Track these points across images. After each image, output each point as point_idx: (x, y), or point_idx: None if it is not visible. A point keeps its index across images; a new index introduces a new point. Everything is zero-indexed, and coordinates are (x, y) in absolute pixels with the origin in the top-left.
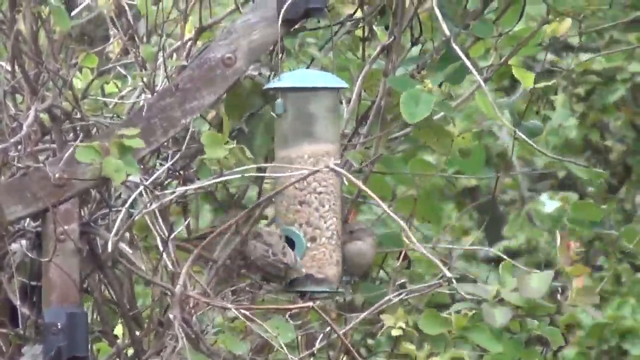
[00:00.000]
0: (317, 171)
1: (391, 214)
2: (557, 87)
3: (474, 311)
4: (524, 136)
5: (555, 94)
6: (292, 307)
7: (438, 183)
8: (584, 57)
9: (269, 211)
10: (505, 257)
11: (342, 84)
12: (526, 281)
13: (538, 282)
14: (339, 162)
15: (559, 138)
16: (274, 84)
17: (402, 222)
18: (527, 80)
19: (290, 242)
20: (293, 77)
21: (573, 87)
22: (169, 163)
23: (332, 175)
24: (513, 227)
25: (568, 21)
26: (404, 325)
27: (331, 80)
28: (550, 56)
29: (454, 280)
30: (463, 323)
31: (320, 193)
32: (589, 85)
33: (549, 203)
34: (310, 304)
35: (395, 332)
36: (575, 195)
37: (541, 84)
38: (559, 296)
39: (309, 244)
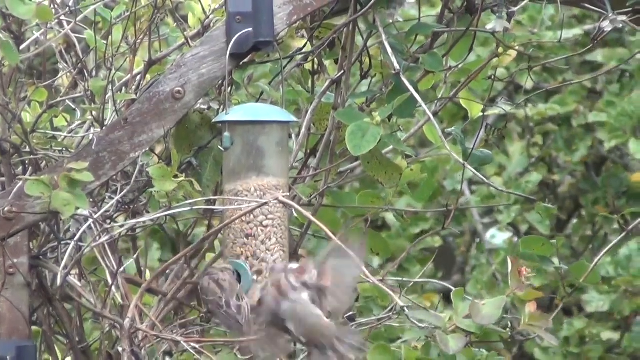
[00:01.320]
0: (266, 203)
1: (340, 244)
2: (509, 129)
3: (424, 342)
4: (472, 169)
5: (504, 126)
6: (240, 339)
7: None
8: (541, 106)
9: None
10: (453, 288)
11: (291, 117)
12: (478, 308)
13: (490, 309)
14: (287, 194)
15: (521, 190)
16: (222, 117)
17: (352, 254)
18: (474, 109)
19: (237, 276)
20: (242, 110)
21: (530, 134)
22: (118, 196)
23: (279, 208)
24: (478, 285)
25: (514, 53)
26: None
27: (280, 114)
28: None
29: (405, 309)
30: (412, 356)
31: (266, 226)
32: (545, 131)
33: (498, 235)
34: (259, 336)
35: None
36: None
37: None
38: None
39: (255, 277)
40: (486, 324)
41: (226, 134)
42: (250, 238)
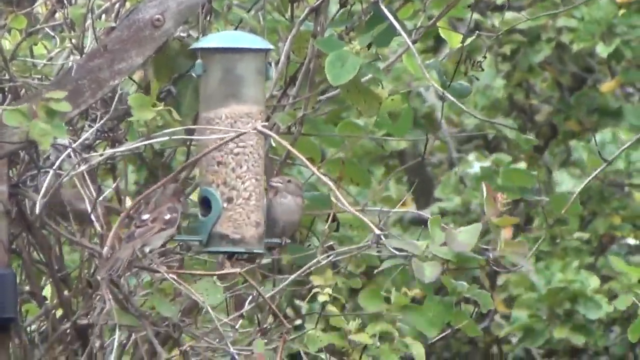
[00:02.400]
0: (244, 133)
1: (319, 175)
2: (483, 47)
3: (402, 271)
4: (452, 97)
5: (484, 57)
6: (219, 272)
7: (367, 146)
8: (509, 15)
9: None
10: (430, 216)
11: (268, 45)
12: (454, 235)
13: (466, 236)
14: (266, 123)
15: (486, 99)
16: (200, 44)
17: (330, 183)
18: (453, 40)
19: (207, 202)
20: (219, 38)
21: (498, 46)
22: (98, 125)
23: (251, 136)
24: (446, 189)
25: None
26: (330, 291)
27: (257, 42)
28: (475, 16)
29: (382, 238)
30: (403, 302)
31: (237, 154)
32: (514, 45)
33: (475, 163)
34: (237, 269)
35: (321, 298)
36: (505, 157)
37: (467, 42)
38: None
39: (225, 205)
40: (462, 251)
41: (198, 60)
42: (220, 165)
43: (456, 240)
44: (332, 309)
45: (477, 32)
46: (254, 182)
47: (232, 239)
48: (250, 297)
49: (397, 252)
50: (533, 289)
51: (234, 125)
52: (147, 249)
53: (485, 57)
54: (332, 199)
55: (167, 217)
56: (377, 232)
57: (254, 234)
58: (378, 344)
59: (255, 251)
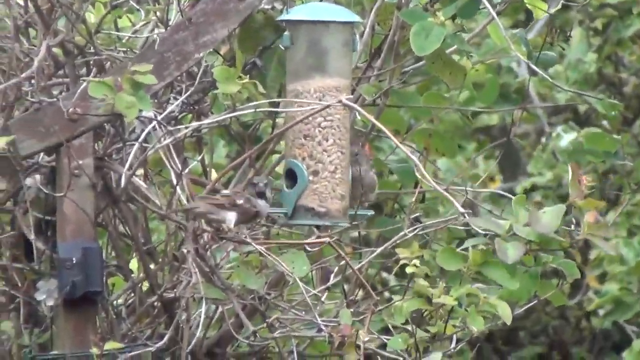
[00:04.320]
0: (329, 106)
1: (402, 148)
2: (573, 20)
3: (488, 246)
4: (536, 69)
5: (571, 29)
6: (307, 241)
7: (457, 121)
8: None
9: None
10: (511, 195)
11: (355, 18)
12: (538, 216)
13: (550, 217)
14: (351, 96)
15: (578, 73)
16: (285, 16)
17: (415, 158)
18: (538, 11)
19: (293, 175)
20: (307, 10)
21: (590, 21)
22: (183, 97)
23: (338, 109)
24: (538, 163)
25: None
26: (417, 262)
27: (343, 14)
28: None
29: (466, 216)
30: (480, 259)
31: (324, 127)
32: (606, 19)
33: (565, 136)
34: (326, 239)
35: (409, 269)
36: (594, 129)
37: (556, 13)
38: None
39: (310, 178)
40: (545, 232)
41: (286, 33)
42: (307, 139)
43: (540, 221)
44: (419, 281)
45: (564, 2)
46: (339, 156)
47: (317, 212)
48: (336, 268)
49: (480, 231)
50: (623, 262)
51: (322, 99)
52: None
53: (572, 29)
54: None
55: (240, 201)
56: (461, 209)
57: (339, 207)
58: (464, 306)
59: (340, 224)
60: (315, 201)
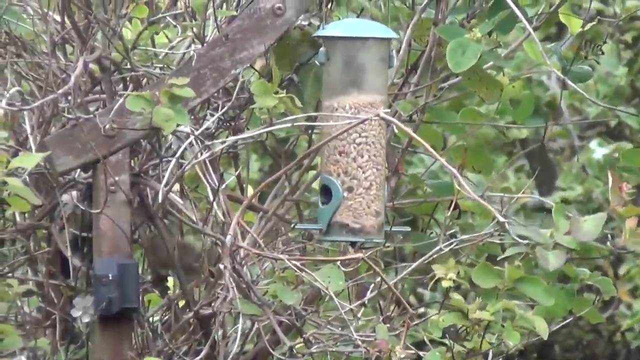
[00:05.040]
0: (366, 120)
1: (442, 161)
2: (604, 34)
3: (525, 259)
4: (571, 83)
5: (604, 42)
6: (342, 258)
7: (489, 134)
8: (631, 3)
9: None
10: (554, 204)
11: (391, 34)
12: (579, 224)
13: (591, 225)
14: (388, 110)
15: (608, 87)
16: (323, 32)
17: (453, 170)
18: (573, 25)
19: (328, 191)
20: (343, 26)
21: (620, 34)
22: (219, 113)
23: (374, 125)
24: (568, 178)
25: None
26: (454, 277)
27: (380, 30)
28: (596, 4)
29: (507, 225)
30: (516, 275)
31: (359, 144)
32: (636, 32)
33: (598, 149)
34: (361, 255)
35: (445, 284)
36: (627, 145)
37: (588, 27)
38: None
39: (345, 194)
40: (587, 240)
41: (322, 49)
42: (342, 155)
43: (581, 229)
44: (455, 296)
45: (598, 17)
46: (374, 172)
47: (351, 228)
48: (372, 285)
49: (520, 240)
50: None
51: (358, 115)
52: None
53: (605, 42)
54: (455, 186)
55: None
56: (501, 219)
57: (373, 224)
58: (500, 322)
59: (375, 240)
60: (349, 217)
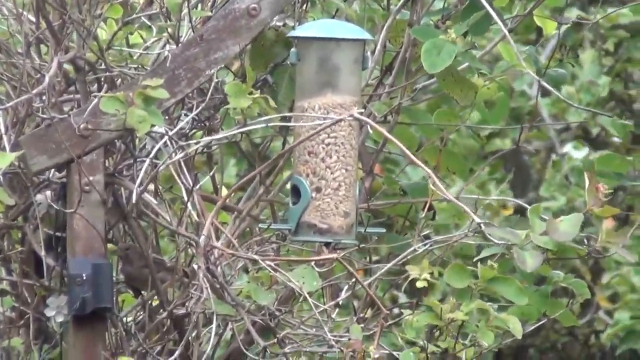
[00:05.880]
0: (341, 120)
1: (417, 161)
2: (583, 39)
3: (499, 261)
4: (547, 85)
5: (581, 46)
6: (316, 258)
7: (469, 144)
8: (612, 11)
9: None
10: (528, 206)
11: (366, 35)
12: (555, 225)
13: (568, 225)
14: (362, 110)
15: (591, 95)
16: (297, 32)
17: (428, 170)
18: (548, 27)
19: (298, 191)
20: (317, 27)
21: (602, 42)
22: (194, 113)
23: (343, 127)
24: (551, 187)
25: None
26: (428, 277)
27: (355, 31)
28: (577, 11)
29: (482, 226)
30: (489, 275)
31: (328, 144)
32: (617, 39)
33: (575, 153)
34: (335, 255)
35: (419, 284)
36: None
37: (564, 29)
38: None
39: (313, 194)
40: (563, 241)
41: (293, 49)
42: (311, 155)
43: (558, 230)
44: (430, 297)
45: (572, 20)
46: (344, 173)
47: (319, 229)
48: (346, 286)
49: (497, 241)
50: (635, 290)
51: (328, 116)
52: None
53: (580, 45)
54: (430, 187)
55: None
56: (477, 219)
57: (342, 224)
58: (475, 322)
59: (344, 241)
60: (317, 218)
